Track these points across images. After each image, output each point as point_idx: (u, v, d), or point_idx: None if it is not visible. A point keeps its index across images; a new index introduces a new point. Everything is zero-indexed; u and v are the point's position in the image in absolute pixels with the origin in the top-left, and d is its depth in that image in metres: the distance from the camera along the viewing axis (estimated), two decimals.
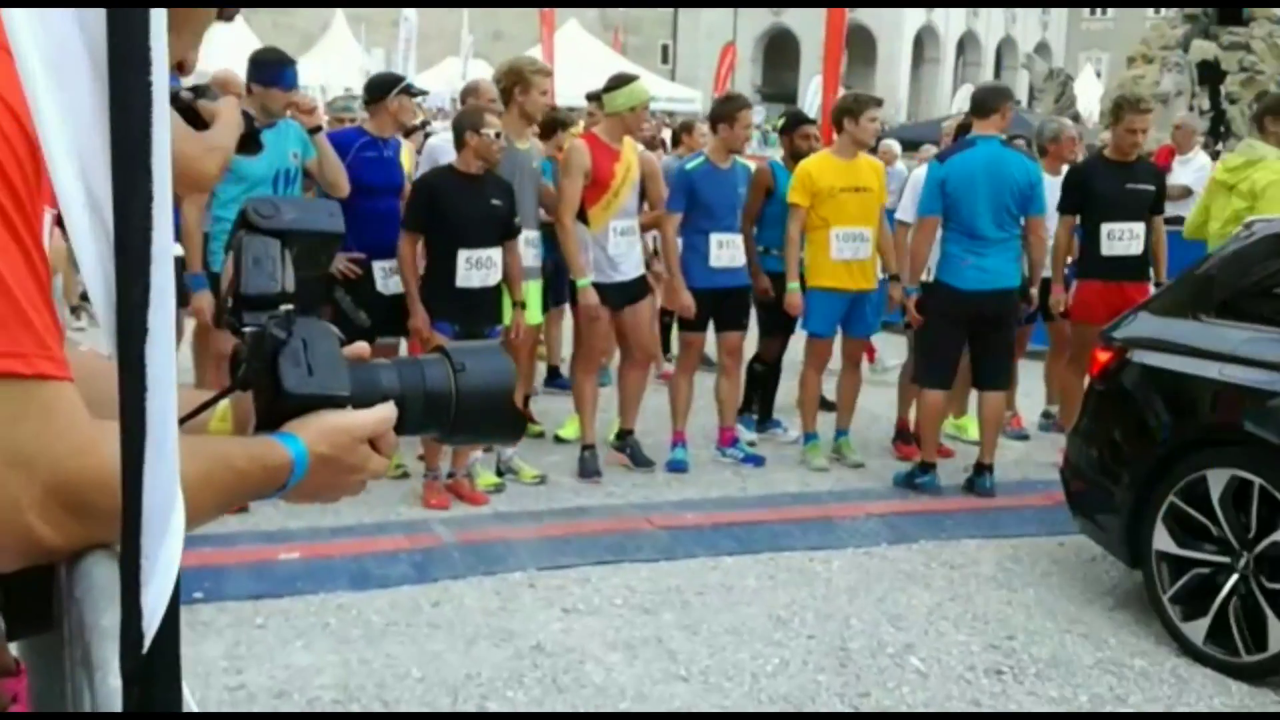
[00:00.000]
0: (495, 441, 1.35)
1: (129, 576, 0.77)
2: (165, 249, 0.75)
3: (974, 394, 6.83)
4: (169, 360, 0.75)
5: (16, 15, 0.78)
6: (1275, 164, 6.06)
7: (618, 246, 6.34)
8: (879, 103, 7.03)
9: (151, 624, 0.77)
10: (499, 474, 6.29)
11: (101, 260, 0.78)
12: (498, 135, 5.64)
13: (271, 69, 5.73)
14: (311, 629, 4.43)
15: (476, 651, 4.27)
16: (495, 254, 5.77)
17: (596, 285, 6.22)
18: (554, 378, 8.39)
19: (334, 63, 23.49)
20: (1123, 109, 7.05)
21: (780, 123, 8.11)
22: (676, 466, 6.68)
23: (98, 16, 0.73)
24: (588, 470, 6.46)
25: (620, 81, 6.39)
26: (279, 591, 4.71)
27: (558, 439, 7.05)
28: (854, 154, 6.75)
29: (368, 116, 6.54)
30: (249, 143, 3.23)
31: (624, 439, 6.70)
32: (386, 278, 6.05)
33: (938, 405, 6.54)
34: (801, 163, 6.98)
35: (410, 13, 19.65)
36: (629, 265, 6.43)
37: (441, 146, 6.76)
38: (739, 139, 6.76)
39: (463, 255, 5.66)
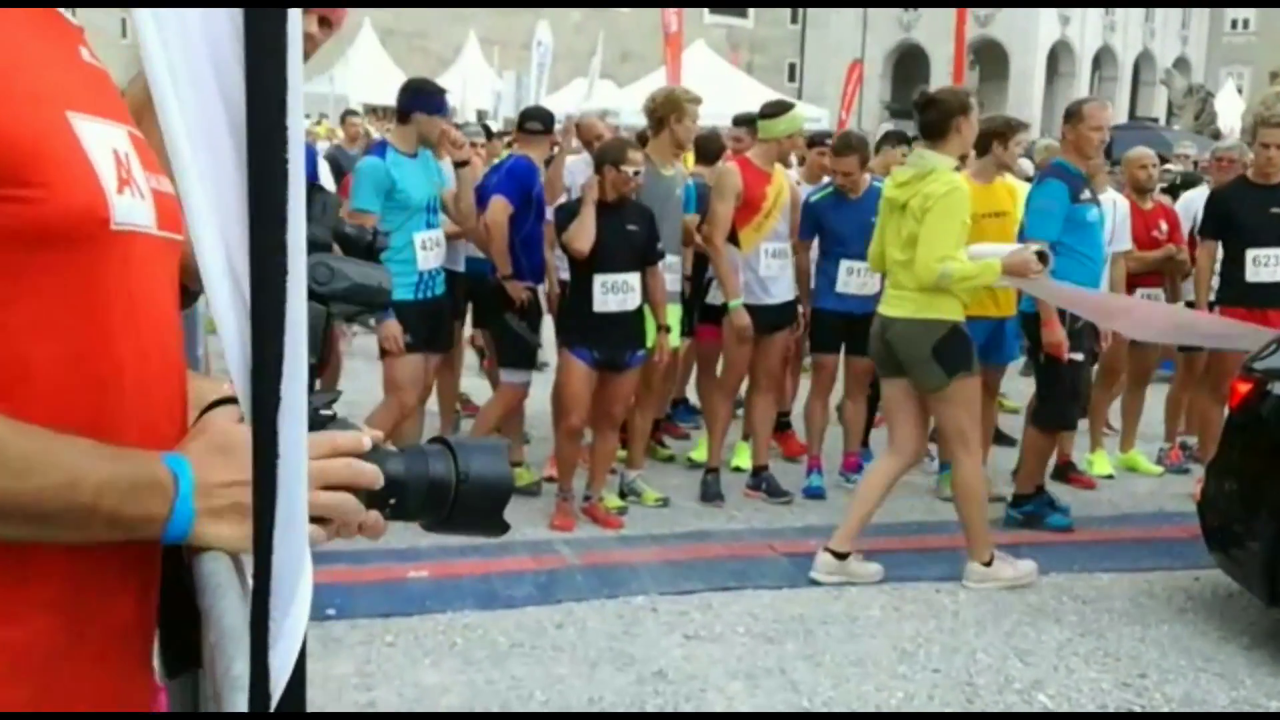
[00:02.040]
0: (478, 535, 1.39)
1: (258, 640, 0.81)
2: (299, 321, 0.78)
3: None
4: (300, 429, 0.79)
5: (165, 87, 0.83)
6: (947, 175, 5.11)
7: (769, 269, 6.44)
8: (1027, 127, 6.92)
9: (279, 683, 0.81)
10: (621, 496, 6.33)
11: (240, 329, 0.82)
12: (636, 173, 5.70)
13: (435, 99, 5.90)
14: (439, 648, 4.51)
15: (599, 676, 4.30)
16: (633, 279, 5.81)
17: (746, 307, 6.29)
18: (674, 407, 8.17)
19: (470, 86, 23.94)
20: (1257, 125, 6.83)
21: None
22: (813, 493, 6.65)
23: (239, 91, 0.76)
24: (710, 494, 6.47)
25: (779, 109, 6.51)
26: (408, 610, 4.81)
27: (690, 461, 7.04)
28: (993, 177, 6.63)
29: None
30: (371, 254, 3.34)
31: (758, 475, 6.66)
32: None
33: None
34: None
35: (545, 35, 19.89)
36: (779, 288, 6.49)
37: (579, 167, 6.85)
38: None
39: (598, 280, 5.72)
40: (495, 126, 15.37)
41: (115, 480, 1.01)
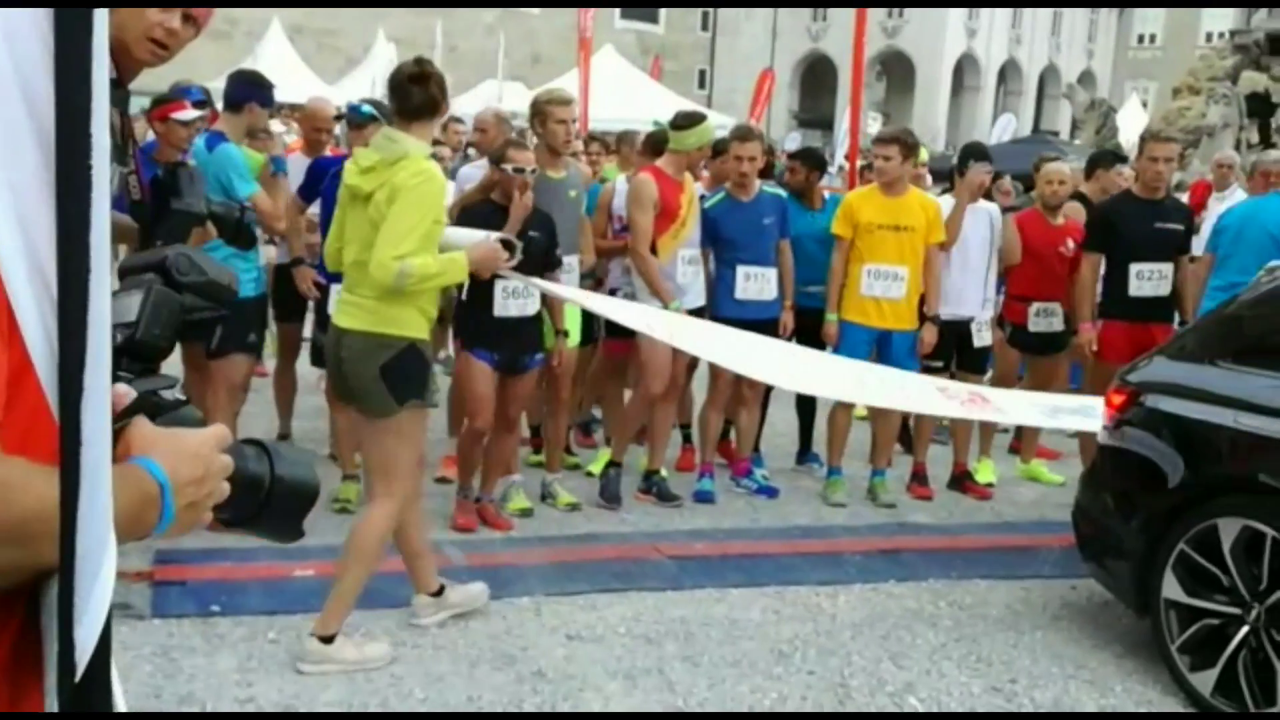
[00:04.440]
0: (276, 539, 1.41)
1: (64, 616, 0.84)
2: (102, 316, 0.80)
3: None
4: (104, 416, 0.80)
5: None
6: (419, 163, 4.29)
7: (685, 275, 6.46)
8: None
9: (83, 657, 0.84)
10: (542, 499, 6.40)
11: (44, 324, 0.83)
12: (519, 170, 5.67)
13: (269, 92, 5.97)
14: None
15: (479, 674, 4.30)
16: (533, 284, 5.79)
17: None
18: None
19: (379, 85, 23.66)
20: (1144, 139, 7.02)
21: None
22: (703, 497, 6.70)
23: (48, 103, 0.78)
24: (609, 493, 6.48)
25: (692, 121, 6.49)
26: (292, 608, 4.77)
27: (590, 475, 7.03)
28: (904, 190, 6.74)
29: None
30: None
31: (650, 478, 6.70)
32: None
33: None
34: (848, 195, 7.12)
35: (438, 33, 19.82)
36: (694, 294, 6.52)
37: (471, 174, 6.85)
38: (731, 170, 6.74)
39: (499, 285, 5.69)
40: None
41: (129, 509, 1.06)
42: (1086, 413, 5.83)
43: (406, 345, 4.29)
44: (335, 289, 5.72)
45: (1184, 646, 4.45)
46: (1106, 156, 8.81)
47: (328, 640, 4.29)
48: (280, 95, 9.14)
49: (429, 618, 4.70)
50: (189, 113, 5.79)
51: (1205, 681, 4.34)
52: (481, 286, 5.70)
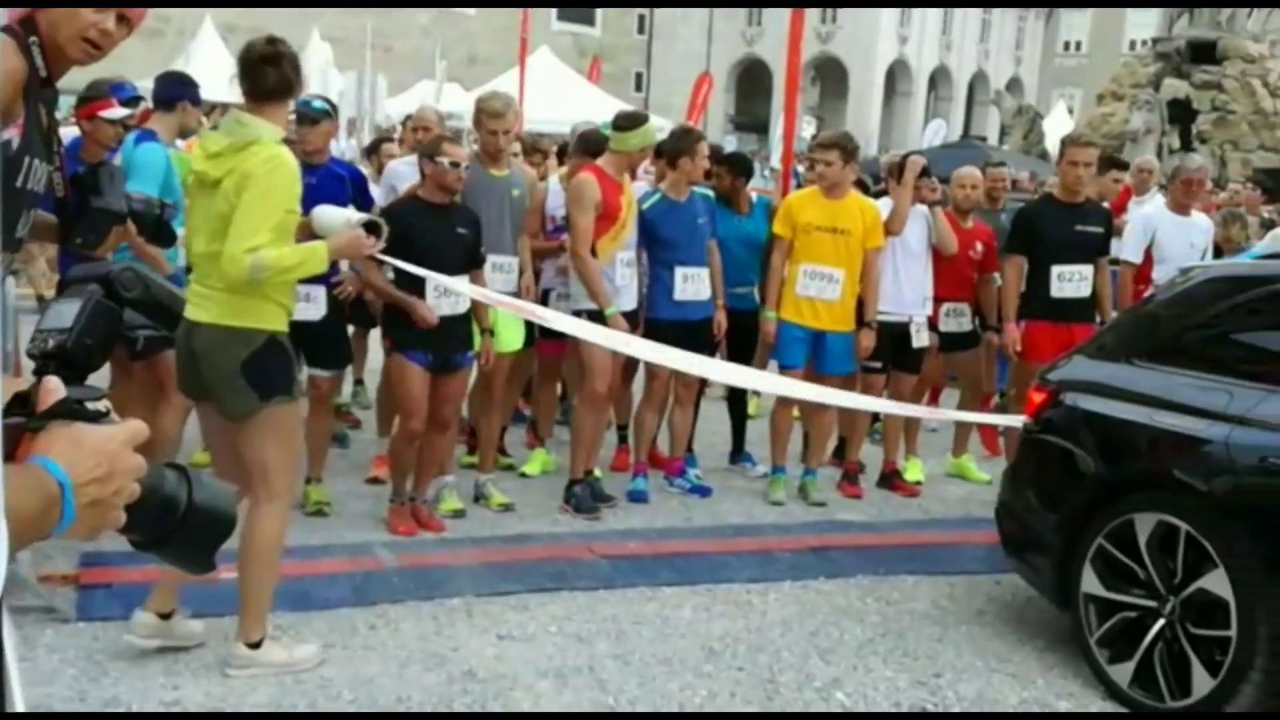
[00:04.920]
0: (185, 568, 1.40)
1: None
2: None
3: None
4: None
5: None
6: (270, 148, 4.04)
7: (623, 278, 6.42)
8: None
9: None
10: (476, 499, 6.38)
11: None
12: (454, 165, 5.67)
13: (197, 90, 5.91)
14: None
15: (408, 675, 4.30)
16: (463, 282, 5.80)
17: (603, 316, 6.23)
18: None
19: (313, 84, 23.44)
20: (1065, 144, 7.18)
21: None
22: (637, 497, 6.72)
23: None
24: (584, 506, 6.40)
25: (635, 122, 6.47)
26: (220, 610, 4.69)
27: (524, 475, 7.03)
28: (844, 194, 6.82)
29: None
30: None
31: (572, 487, 6.56)
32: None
33: None
34: (790, 196, 7.22)
35: (369, 31, 19.70)
36: (629, 296, 6.49)
37: (400, 170, 6.83)
38: (698, 171, 6.82)
39: (430, 284, 5.68)
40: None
41: (28, 509, 1.07)
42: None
43: (265, 339, 4.08)
44: None
45: (1103, 640, 4.55)
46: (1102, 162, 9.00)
47: (255, 646, 4.24)
48: (213, 94, 9.00)
49: (143, 638, 4.35)
50: (117, 111, 5.72)
51: (1123, 674, 4.44)
52: (414, 287, 5.69)
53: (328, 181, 5.84)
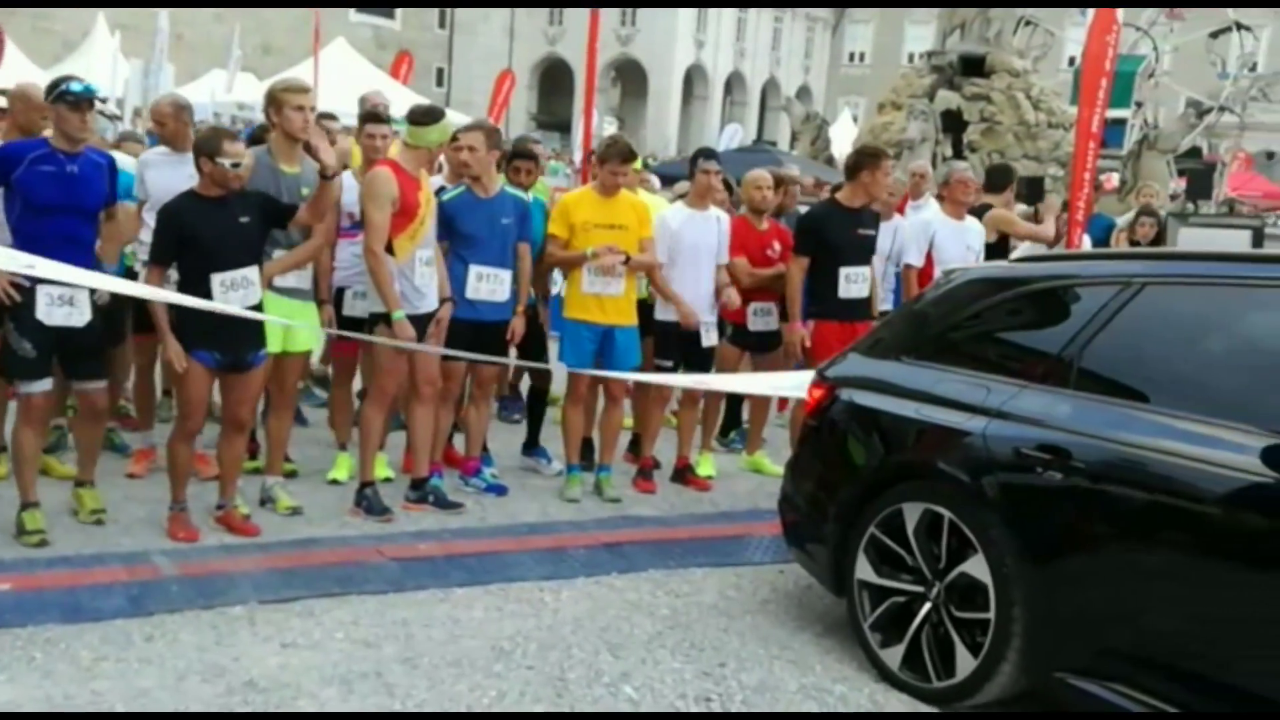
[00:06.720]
0: None
1: None
2: None
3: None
4: None
5: None
6: None
7: (423, 277, 6.25)
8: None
9: None
10: (262, 503, 6.25)
11: None
12: (235, 165, 5.51)
13: None
14: (16, 663, 4.26)
15: (186, 687, 4.17)
16: (251, 273, 5.64)
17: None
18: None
19: (95, 72, 22.31)
20: (876, 158, 7.45)
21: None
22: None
23: None
24: (376, 509, 6.29)
25: (433, 116, 6.32)
26: None
27: (334, 481, 6.88)
28: (614, 192, 6.92)
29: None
30: None
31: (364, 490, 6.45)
32: (51, 305, 5.48)
33: None
34: (563, 196, 7.28)
35: (164, 19, 18.93)
36: (432, 296, 6.33)
37: (153, 160, 6.66)
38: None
39: (216, 280, 5.52)
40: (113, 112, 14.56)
41: None
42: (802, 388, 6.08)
43: None
44: (42, 291, 5.42)
45: (875, 624, 4.75)
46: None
47: None
48: None
49: None
50: None
51: (894, 657, 4.63)
52: (198, 283, 5.50)
53: (89, 170, 5.61)
